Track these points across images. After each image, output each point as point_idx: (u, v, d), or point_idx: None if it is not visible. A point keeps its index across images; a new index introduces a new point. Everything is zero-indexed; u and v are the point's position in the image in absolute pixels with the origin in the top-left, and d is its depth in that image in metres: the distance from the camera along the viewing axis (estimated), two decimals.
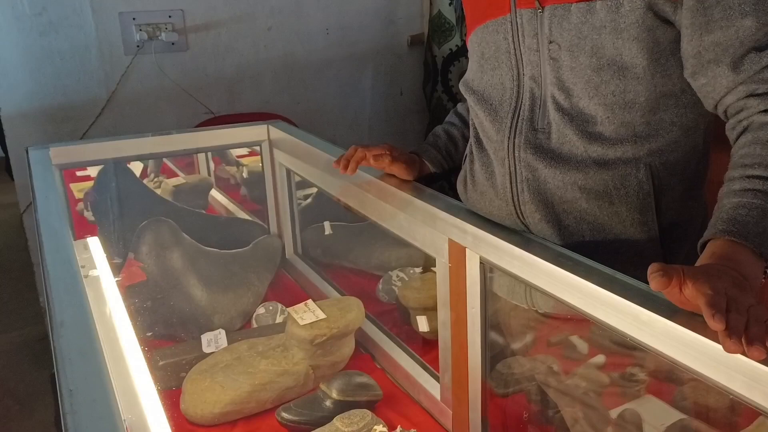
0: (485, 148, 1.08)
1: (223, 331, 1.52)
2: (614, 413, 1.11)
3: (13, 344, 2.88)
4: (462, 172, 1.21)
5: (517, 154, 0.98)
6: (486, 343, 1.16)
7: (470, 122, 1.15)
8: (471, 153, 1.15)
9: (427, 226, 1.22)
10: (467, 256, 1.12)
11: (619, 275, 0.88)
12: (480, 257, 1.10)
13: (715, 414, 0.97)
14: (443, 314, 1.23)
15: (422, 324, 1.47)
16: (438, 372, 1.33)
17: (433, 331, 1.48)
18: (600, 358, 1.18)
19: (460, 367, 1.21)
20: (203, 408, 1.30)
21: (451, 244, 1.16)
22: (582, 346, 1.19)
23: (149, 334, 1.55)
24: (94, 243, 1.12)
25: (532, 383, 1.22)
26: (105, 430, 0.60)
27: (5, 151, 2.68)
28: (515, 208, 1.01)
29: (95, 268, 1.01)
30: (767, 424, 0.92)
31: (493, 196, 1.04)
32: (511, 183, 1.00)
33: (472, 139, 1.14)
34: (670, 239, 0.97)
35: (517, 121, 0.98)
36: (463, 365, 1.19)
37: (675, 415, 1.03)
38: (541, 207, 0.97)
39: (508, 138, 0.99)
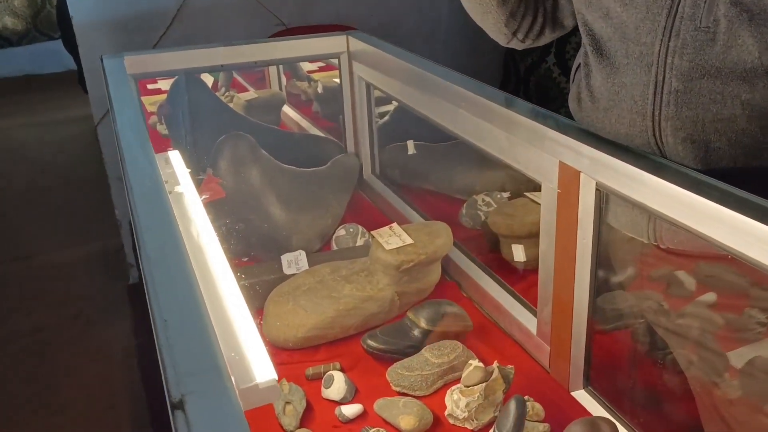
0: (611, 56, 0.93)
1: (303, 253, 1.47)
2: (735, 358, 1.00)
3: (90, 256, 2.95)
4: (574, 89, 1.07)
5: (669, 60, 0.84)
6: (595, 278, 1.06)
7: (583, 28, 1.00)
8: (586, 66, 1.01)
9: (533, 147, 1.10)
10: (581, 182, 1.00)
11: None
12: (597, 183, 0.98)
13: None
14: (546, 244, 1.13)
15: (518, 253, 1.38)
16: (533, 305, 1.24)
17: (530, 261, 1.38)
18: (711, 296, 1.06)
19: (562, 302, 1.11)
20: (286, 331, 1.26)
21: (562, 167, 1.04)
22: (689, 282, 1.08)
23: (230, 252, 1.50)
24: (175, 157, 1.05)
25: (639, 320, 1.12)
26: (204, 367, 0.53)
27: (78, 63, 2.65)
28: (653, 125, 0.87)
29: (179, 184, 0.94)
30: None
31: (625, 111, 0.90)
32: (654, 94, 0.86)
33: (586, 49, 1.00)
34: None
35: (674, 20, 0.83)
36: (567, 300, 1.10)
37: None
38: (689, 124, 0.83)
39: (661, 40, 0.84)
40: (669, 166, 0.88)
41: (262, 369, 0.60)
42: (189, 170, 1.00)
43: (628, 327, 1.13)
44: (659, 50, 0.85)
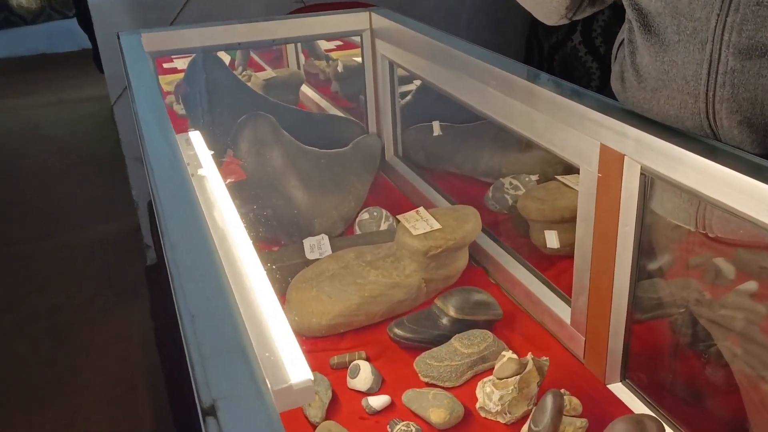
0: (660, 32, 0.87)
1: (326, 237, 1.42)
2: None
3: (107, 237, 2.93)
4: (616, 68, 1.01)
5: (726, 37, 0.78)
6: (637, 267, 1.01)
7: (628, 2, 0.94)
8: (630, 43, 0.95)
9: (571, 128, 1.04)
10: (625, 165, 0.95)
11: None
12: (642, 167, 0.93)
13: None
14: (583, 230, 1.08)
15: (551, 239, 1.32)
16: (566, 293, 1.19)
17: (562, 248, 1.33)
18: (751, 285, 1.01)
19: (600, 291, 1.06)
20: (310, 318, 1.22)
21: (604, 150, 0.98)
22: (729, 270, 1.02)
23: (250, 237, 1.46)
24: (196, 138, 1.01)
25: (681, 310, 1.06)
26: (237, 369, 0.49)
27: (93, 41, 2.60)
28: (707, 107, 0.81)
29: (201, 166, 0.90)
30: None
31: (675, 91, 0.85)
32: (708, 74, 0.80)
33: (632, 24, 0.93)
34: None
35: None
36: (605, 288, 1.05)
37: None
38: (746, 106, 0.77)
39: (718, 15, 0.78)
40: (724, 150, 0.82)
41: (296, 368, 0.56)
42: (212, 152, 0.96)
43: (669, 317, 1.07)
44: (715, 26, 0.79)
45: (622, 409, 1.04)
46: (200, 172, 0.88)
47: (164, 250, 0.66)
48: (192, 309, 0.56)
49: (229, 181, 1.40)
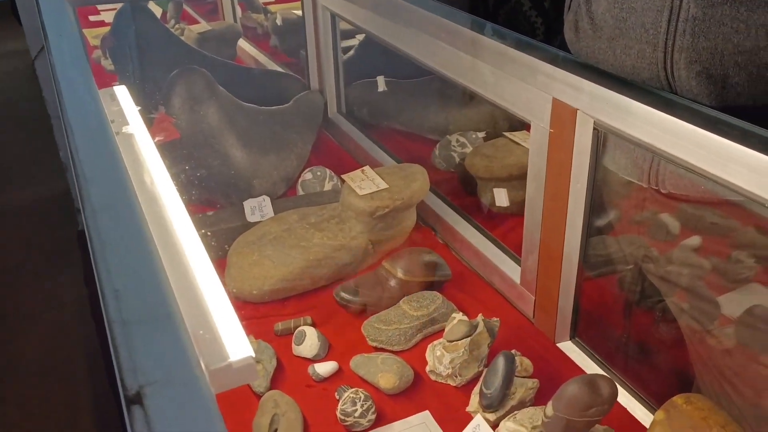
0: None
1: (267, 198, 1.36)
2: (726, 304, 0.95)
3: (35, 200, 2.77)
4: (570, 17, 0.97)
5: None
6: (589, 224, 0.99)
7: None
8: None
9: (523, 82, 1.00)
10: (578, 120, 0.91)
11: None
12: (595, 121, 0.90)
13: None
14: (533, 188, 1.05)
15: (500, 197, 1.30)
16: (516, 252, 1.17)
17: (513, 206, 1.30)
18: (695, 240, 1.01)
19: (550, 249, 1.04)
20: (251, 284, 1.16)
21: (557, 105, 0.95)
22: (678, 226, 1.02)
23: (185, 199, 1.39)
24: (122, 93, 0.92)
25: (630, 267, 1.06)
26: (167, 349, 0.44)
27: None
28: (665, 56, 0.78)
29: (128, 123, 0.82)
30: None
31: (632, 40, 0.81)
32: (669, 22, 0.76)
33: None
34: None
35: None
36: (556, 247, 1.03)
37: None
38: (705, 56, 0.75)
39: None
40: (679, 103, 0.80)
41: (235, 344, 0.51)
42: (139, 108, 0.88)
43: (618, 274, 1.07)
44: None
45: (573, 367, 1.03)
46: (126, 129, 0.80)
47: (84, 217, 0.60)
48: (115, 283, 0.50)
49: (158, 139, 1.31)
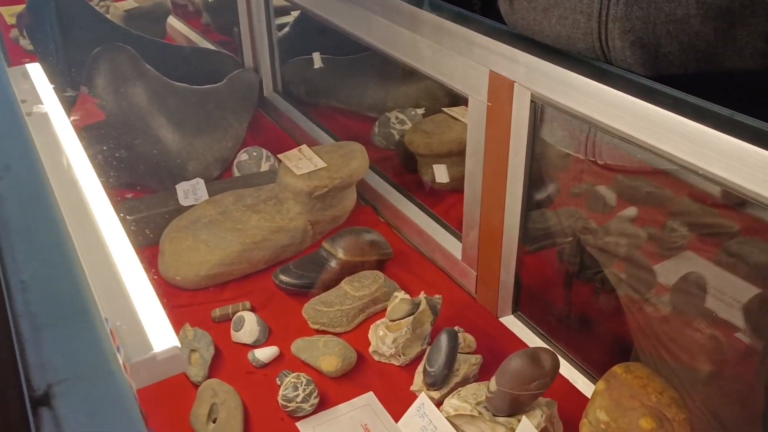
0: None
1: (201, 181, 1.31)
2: (663, 272, 0.97)
3: None
4: None
5: None
6: (528, 198, 0.98)
7: None
8: None
9: (459, 55, 0.98)
10: (515, 92, 0.90)
11: (740, 116, 0.68)
12: (532, 93, 0.89)
13: (763, 270, 0.84)
14: (472, 163, 1.04)
15: (440, 173, 1.28)
16: (457, 228, 1.16)
17: (451, 182, 1.29)
18: (632, 211, 1.03)
19: (491, 224, 1.04)
20: (186, 270, 1.12)
21: (493, 78, 0.93)
22: (611, 197, 1.03)
23: (112, 183, 1.32)
24: (35, 70, 0.86)
25: (569, 240, 1.06)
26: (80, 344, 0.40)
27: None
28: (599, 26, 0.77)
29: (41, 103, 0.76)
30: None
31: (567, 10, 0.80)
32: None
33: None
34: None
35: None
36: (496, 222, 1.02)
37: (721, 274, 0.90)
38: (639, 26, 0.74)
39: None
40: (615, 73, 0.79)
41: (160, 335, 0.47)
42: (53, 86, 0.82)
43: (558, 247, 1.07)
44: None
45: (515, 341, 1.03)
46: (38, 109, 0.75)
47: None
48: (22, 273, 0.45)
49: (76, 119, 1.24)
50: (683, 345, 0.91)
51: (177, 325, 1.02)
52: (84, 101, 1.27)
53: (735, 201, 0.82)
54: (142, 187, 1.36)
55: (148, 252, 1.20)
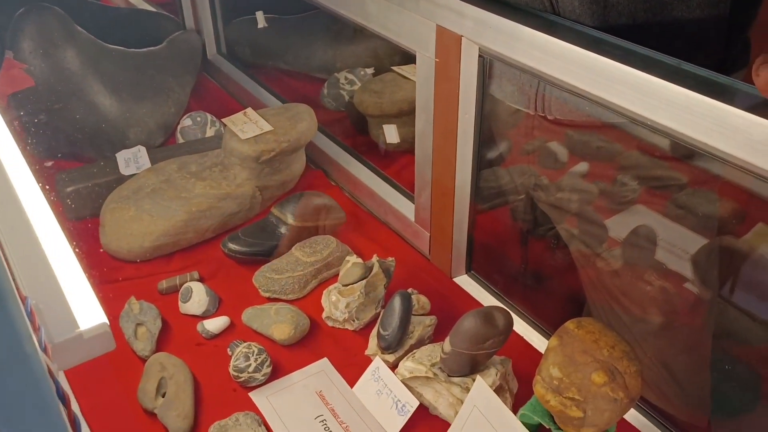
0: None
1: (143, 149, 1.25)
2: (614, 226, 0.97)
3: None
4: None
5: None
6: (478, 156, 0.97)
7: None
8: None
9: (406, 10, 0.95)
10: (463, 47, 0.88)
11: (687, 66, 0.67)
12: (480, 48, 0.86)
13: (710, 221, 0.85)
14: (422, 122, 1.01)
15: (390, 134, 1.25)
16: (410, 190, 1.14)
17: (403, 142, 1.27)
18: (583, 167, 1.02)
19: (443, 184, 1.02)
20: (130, 241, 1.08)
21: (441, 32, 0.90)
22: (562, 153, 1.03)
23: (46, 154, 1.26)
24: None
25: (521, 197, 1.06)
26: None
27: None
28: None
29: None
30: (765, 230, 0.81)
31: None
32: None
33: None
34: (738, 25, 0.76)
35: None
36: (447, 181, 1.00)
37: (670, 226, 0.91)
38: None
39: None
40: (563, 25, 0.77)
41: (87, 312, 0.44)
42: None
43: (510, 205, 1.06)
44: None
45: (470, 301, 1.03)
46: None
47: None
48: None
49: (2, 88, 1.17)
50: (634, 298, 0.92)
51: (122, 299, 0.99)
52: (10, 66, 1.20)
53: (683, 153, 0.82)
54: (80, 157, 1.30)
55: (90, 224, 1.15)
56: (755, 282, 0.84)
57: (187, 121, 1.37)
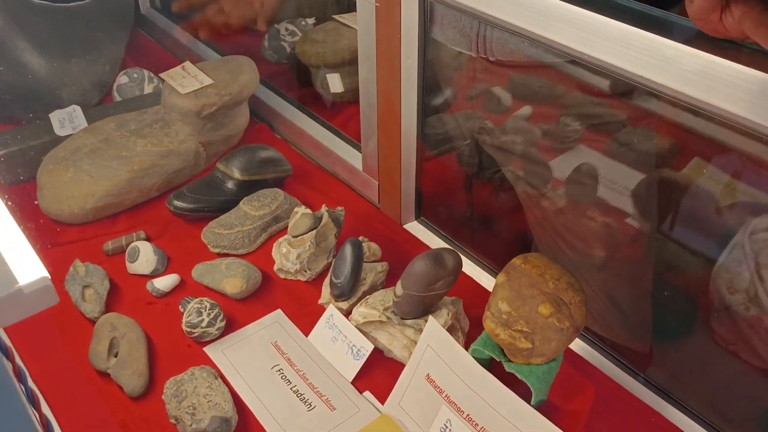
0: None
1: (78, 108, 1.21)
2: (557, 167, 0.99)
3: None
4: None
5: None
6: (423, 102, 0.97)
7: None
8: None
9: None
10: None
11: (624, 0, 0.68)
12: None
13: (649, 157, 0.88)
14: (366, 70, 1.00)
15: (334, 83, 1.24)
16: (357, 139, 1.14)
17: (348, 92, 1.25)
18: (526, 110, 1.04)
19: (389, 132, 1.02)
20: (71, 204, 1.05)
21: None
22: (506, 97, 1.04)
23: None
24: None
25: (467, 142, 1.06)
26: None
27: None
28: None
29: None
30: (700, 164, 0.85)
31: None
32: None
33: None
34: None
35: None
36: (394, 129, 1.00)
37: (612, 164, 0.93)
38: None
39: None
40: None
41: (26, 267, 0.43)
42: None
43: (456, 150, 1.07)
44: None
45: (420, 246, 1.04)
46: None
47: None
48: None
49: None
50: (579, 234, 0.94)
51: (66, 262, 0.97)
52: None
53: (622, 91, 0.84)
54: (10, 118, 1.24)
55: (27, 188, 1.11)
56: (692, 213, 0.87)
57: (123, 78, 1.32)
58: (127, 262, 0.98)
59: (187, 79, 1.13)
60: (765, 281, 0.79)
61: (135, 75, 1.33)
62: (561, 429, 0.65)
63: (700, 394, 0.81)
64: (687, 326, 0.88)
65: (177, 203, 1.06)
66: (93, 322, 0.89)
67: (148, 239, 1.03)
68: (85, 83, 1.31)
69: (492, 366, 0.76)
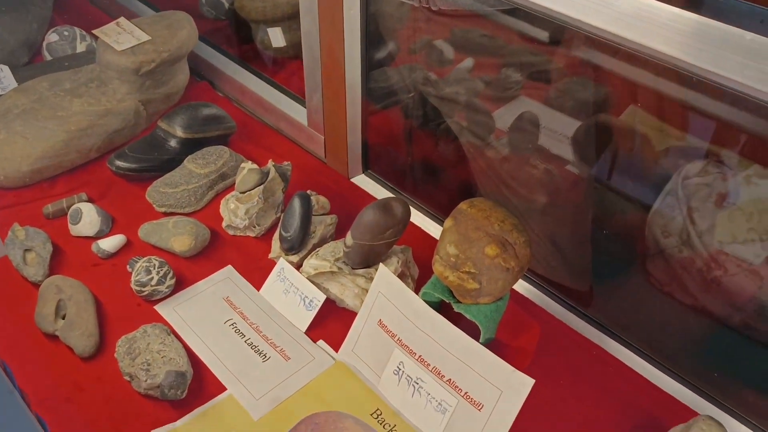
0: None
1: (6, 68, 1.16)
2: (499, 117, 1.01)
3: None
4: None
5: None
6: (367, 55, 0.97)
7: None
8: None
9: None
10: None
11: None
12: None
13: (587, 106, 0.91)
14: (308, 23, 0.99)
15: (276, 38, 1.22)
16: (301, 95, 1.13)
17: (291, 47, 1.24)
18: (469, 62, 1.05)
19: (333, 86, 1.01)
20: (5, 166, 1.01)
21: None
22: (448, 50, 1.05)
23: None
24: None
25: (411, 94, 1.07)
26: None
27: None
28: None
29: None
30: (636, 111, 0.88)
31: None
32: None
33: None
34: None
35: None
36: (338, 83, 1.00)
37: (552, 114, 0.96)
38: None
39: None
40: None
41: None
42: None
43: (401, 103, 1.08)
44: None
45: (368, 199, 1.05)
46: None
47: None
48: None
49: None
50: (522, 181, 0.97)
51: (4, 227, 0.94)
52: None
53: (559, 39, 0.85)
54: None
55: None
56: (628, 159, 0.90)
57: (53, 37, 1.27)
58: (69, 225, 0.96)
59: (122, 36, 1.10)
60: (697, 224, 0.84)
61: (65, 33, 1.28)
62: (509, 364, 0.68)
63: (637, 329, 0.86)
64: (625, 268, 0.93)
65: (119, 163, 1.04)
66: (37, 285, 0.87)
67: (90, 201, 1.01)
68: (11, 42, 1.25)
69: (442, 308, 0.79)
